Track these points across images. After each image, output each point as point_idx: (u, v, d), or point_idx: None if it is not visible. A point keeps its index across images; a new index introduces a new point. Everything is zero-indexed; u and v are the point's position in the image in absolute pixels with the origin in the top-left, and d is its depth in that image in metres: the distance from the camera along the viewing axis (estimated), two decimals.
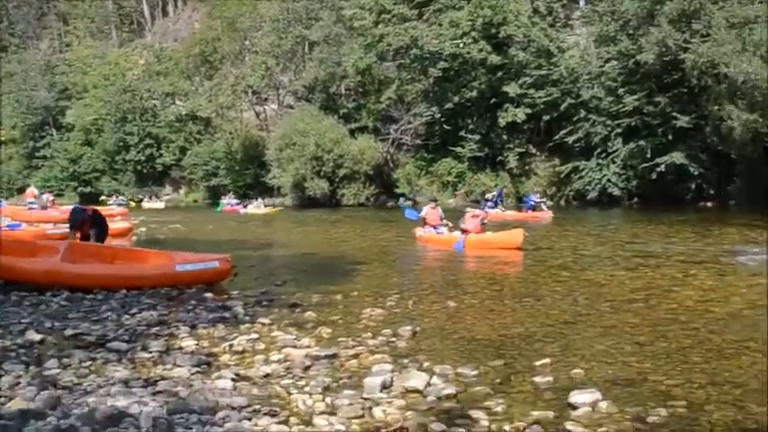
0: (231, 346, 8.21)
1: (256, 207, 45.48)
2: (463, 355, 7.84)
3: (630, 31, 39.05)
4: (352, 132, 49.85)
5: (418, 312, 10.28)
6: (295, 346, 8.13)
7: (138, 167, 68.94)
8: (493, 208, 31.49)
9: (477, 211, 21.17)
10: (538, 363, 7.32)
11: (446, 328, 9.22)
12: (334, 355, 7.71)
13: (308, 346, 8.14)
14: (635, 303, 10.75)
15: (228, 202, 51.03)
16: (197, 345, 8.33)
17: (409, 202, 37.58)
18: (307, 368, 7.28)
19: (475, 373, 7.02)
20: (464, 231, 19.38)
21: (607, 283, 12.75)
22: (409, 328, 8.95)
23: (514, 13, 43.87)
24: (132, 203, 57.64)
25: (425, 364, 7.30)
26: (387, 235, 24.79)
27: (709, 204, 36.23)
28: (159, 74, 71.35)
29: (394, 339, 8.50)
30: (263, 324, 9.42)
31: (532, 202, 32.85)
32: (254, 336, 8.70)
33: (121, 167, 69.95)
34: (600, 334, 8.78)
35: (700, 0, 35.28)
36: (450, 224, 20.72)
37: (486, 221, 20.31)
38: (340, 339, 8.47)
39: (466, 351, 8.02)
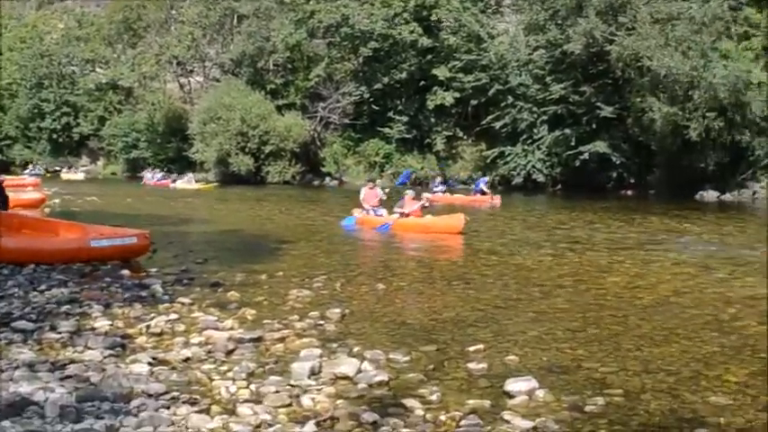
0: (148, 327, 7.81)
1: (187, 182, 44.19)
2: (394, 339, 7.61)
3: (559, 21, 39.19)
4: (279, 109, 49.08)
5: (347, 294, 10.02)
6: (217, 329, 7.80)
7: (54, 136, 66.91)
8: (442, 192, 31.34)
9: (414, 194, 20.31)
10: (471, 348, 7.13)
11: (376, 312, 8.99)
12: (259, 339, 7.41)
13: (232, 329, 7.81)
14: (564, 289, 10.69)
15: (153, 175, 49.90)
16: (111, 325, 7.92)
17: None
18: (230, 352, 6.96)
19: (407, 358, 6.80)
20: (403, 214, 18.75)
21: (536, 268, 12.68)
22: (338, 310, 8.69)
23: None
24: (47, 174, 56.01)
25: (355, 349, 7.04)
26: (312, 214, 24.46)
27: (629, 193, 36.71)
28: (79, 39, 68.85)
29: (322, 322, 8.22)
30: (183, 304, 9.06)
31: (481, 186, 31.97)
32: (174, 316, 8.34)
33: (36, 135, 67.90)
34: (532, 320, 8.66)
35: None
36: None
37: (427, 204, 19.82)
38: (265, 322, 8.16)
39: (397, 335, 7.80)
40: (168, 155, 56.16)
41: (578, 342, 7.54)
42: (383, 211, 19.69)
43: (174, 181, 45.65)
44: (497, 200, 29.27)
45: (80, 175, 57.56)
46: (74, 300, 9.09)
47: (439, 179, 34.57)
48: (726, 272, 12.14)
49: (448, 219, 18.59)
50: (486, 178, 33.51)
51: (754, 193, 33.65)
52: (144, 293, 9.67)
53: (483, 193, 30.94)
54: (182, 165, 52.76)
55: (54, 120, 66.07)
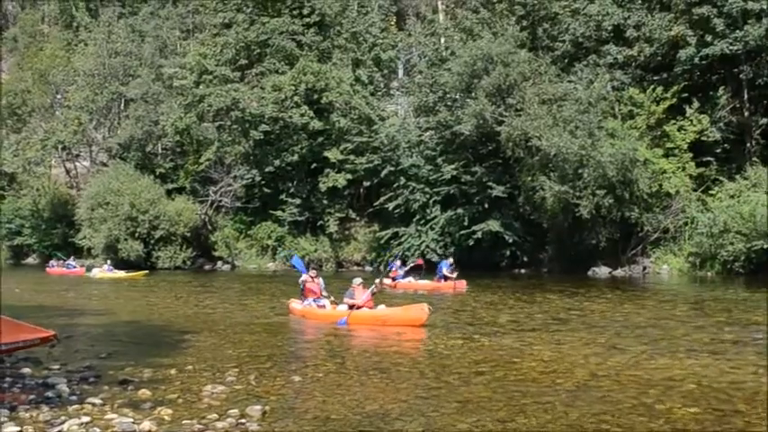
0: (61, 431, 7.34)
1: (107, 271, 40.24)
2: None
3: (449, 103, 40.14)
4: (169, 193, 48.49)
5: (263, 389, 9.70)
6: (134, 431, 7.38)
7: None
8: (404, 277, 29.67)
9: (362, 281, 18.17)
10: None
11: (297, 407, 8.72)
12: None
13: (150, 431, 7.41)
14: (483, 375, 10.61)
15: (54, 263, 47.67)
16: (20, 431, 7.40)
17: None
18: None
19: None
20: (354, 306, 17.10)
21: (449, 354, 12.60)
22: (258, 407, 8.40)
23: (337, 81, 44.21)
24: None
25: None
26: (210, 301, 23.82)
27: (523, 271, 37.32)
28: None
29: (244, 421, 7.93)
30: (94, 405, 8.60)
31: (444, 271, 29.40)
32: (86, 419, 7.89)
33: None
34: (457, 410, 8.53)
35: (514, 77, 36.78)
36: (332, 297, 18.50)
37: (376, 291, 18.01)
38: (184, 422, 7.81)
39: None
40: (54, 241, 54.70)
41: None
42: (325, 302, 18.43)
43: (88, 269, 43.25)
44: (462, 284, 27.45)
45: None
46: None
47: (398, 263, 31.41)
48: (636, 351, 12.32)
49: (409, 310, 16.76)
50: (449, 260, 30.45)
51: (645, 268, 34.74)
52: (50, 393, 9.14)
53: (446, 277, 28.76)
54: (68, 251, 51.21)
55: None
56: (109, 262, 42.47)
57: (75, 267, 45.37)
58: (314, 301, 18.49)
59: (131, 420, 7.82)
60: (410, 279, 29.71)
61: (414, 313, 16.27)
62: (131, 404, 8.69)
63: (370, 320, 16.74)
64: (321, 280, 19.14)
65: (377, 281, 19.15)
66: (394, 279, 29.23)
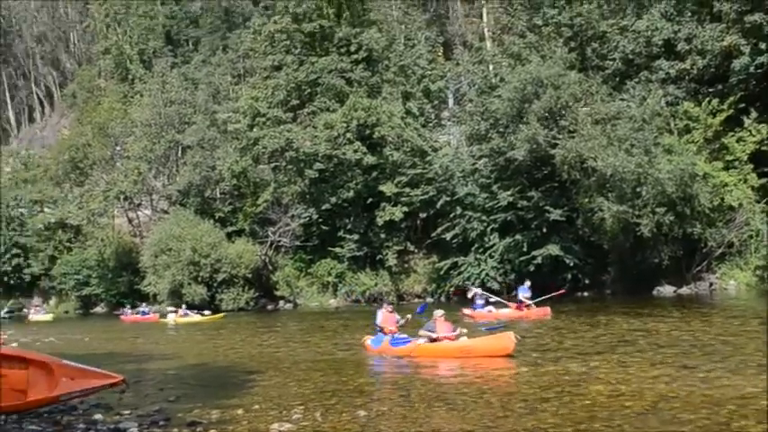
0: None
1: (183, 315, 40.56)
2: None
3: (501, 129, 40.02)
4: (229, 236, 49.16)
5: (329, 425, 9.71)
6: None
7: (5, 278, 66.13)
8: (483, 306, 28.81)
9: (444, 314, 17.34)
10: None
11: None
12: None
13: None
14: (549, 402, 10.47)
15: (133, 311, 47.82)
16: None
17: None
18: None
19: None
20: (434, 339, 16.64)
21: (514, 382, 12.50)
22: None
23: (387, 115, 44.48)
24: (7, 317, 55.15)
25: None
26: (274, 341, 23.96)
27: (585, 294, 36.89)
28: (26, 181, 69.37)
29: None
30: None
31: (520, 295, 28.74)
32: None
33: None
34: None
35: (565, 99, 36.60)
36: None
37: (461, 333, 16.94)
38: None
39: None
40: (120, 289, 55.83)
41: None
42: (404, 336, 17.87)
43: (163, 315, 43.09)
44: (547, 311, 26.36)
45: (48, 316, 55.74)
46: None
47: (476, 290, 30.33)
48: (706, 370, 12.07)
49: (495, 339, 16.07)
50: (527, 284, 29.50)
51: (711, 284, 34.09)
52: None
53: (522, 303, 28.12)
54: (134, 298, 52.16)
55: (4, 262, 65.54)
56: (184, 306, 42.53)
57: (148, 314, 45.66)
58: (392, 337, 18.09)
59: None
60: (490, 309, 28.86)
61: (501, 342, 15.60)
62: None
63: (450, 352, 16.13)
64: (397, 314, 18.96)
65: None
66: (474, 309, 28.91)
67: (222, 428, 9.66)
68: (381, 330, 18.60)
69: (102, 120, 59.85)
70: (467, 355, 15.57)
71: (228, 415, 10.64)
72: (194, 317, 39.48)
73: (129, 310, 48.37)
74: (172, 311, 42.20)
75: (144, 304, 48.47)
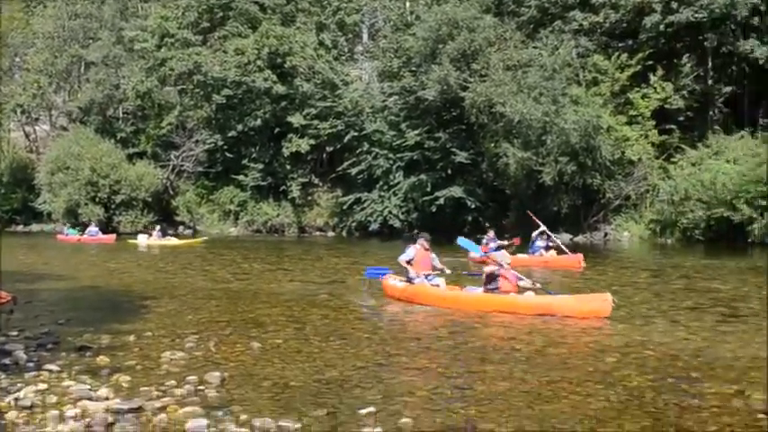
0: (17, 399, 7.21)
1: (157, 238, 36.48)
2: (281, 404, 7.29)
3: (413, 68, 39.96)
4: (130, 157, 48.12)
5: (222, 355, 9.61)
6: (91, 399, 7.28)
7: None
8: (547, 250, 24.37)
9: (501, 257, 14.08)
10: (363, 412, 6.90)
11: (256, 374, 8.62)
12: (139, 408, 6.96)
13: (107, 398, 7.32)
14: (443, 341, 10.64)
15: (90, 230, 40.83)
16: None
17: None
18: (109, 425, 6.50)
19: (298, 426, 6.49)
20: (492, 289, 13.57)
21: (410, 321, 12.61)
22: (217, 374, 8.29)
23: (300, 45, 43.89)
24: None
25: (242, 417, 6.71)
26: (171, 267, 23.63)
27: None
28: None
29: (202, 388, 7.83)
30: (51, 371, 8.45)
31: (539, 243, 24.63)
32: (43, 386, 7.74)
33: None
34: (416, 376, 8.51)
35: (479, 42, 36.68)
36: (447, 270, 15.07)
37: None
38: (142, 389, 7.69)
39: (283, 400, 7.48)
40: (13, 206, 53.88)
41: (468, 401, 7.39)
42: (439, 280, 14.75)
43: (151, 234, 37.76)
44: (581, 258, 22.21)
45: None
46: None
47: (543, 229, 25.15)
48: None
49: (591, 299, 12.83)
50: (542, 228, 25.03)
51: (606, 234, 35.10)
52: (7, 361, 8.98)
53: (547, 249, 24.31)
54: (27, 215, 50.67)
55: None
56: (158, 228, 38.98)
57: (96, 234, 40.17)
58: (426, 277, 14.92)
59: (89, 387, 7.70)
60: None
61: (599, 304, 12.40)
62: (89, 371, 8.56)
63: (529, 309, 12.79)
64: (434, 255, 15.25)
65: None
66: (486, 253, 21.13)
67: (112, 354, 9.45)
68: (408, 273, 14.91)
69: (2, 28, 57.26)
70: (548, 314, 12.44)
71: (120, 341, 10.45)
72: (171, 240, 36.30)
73: (67, 229, 42.40)
74: (143, 234, 38.64)
75: (93, 222, 42.42)
